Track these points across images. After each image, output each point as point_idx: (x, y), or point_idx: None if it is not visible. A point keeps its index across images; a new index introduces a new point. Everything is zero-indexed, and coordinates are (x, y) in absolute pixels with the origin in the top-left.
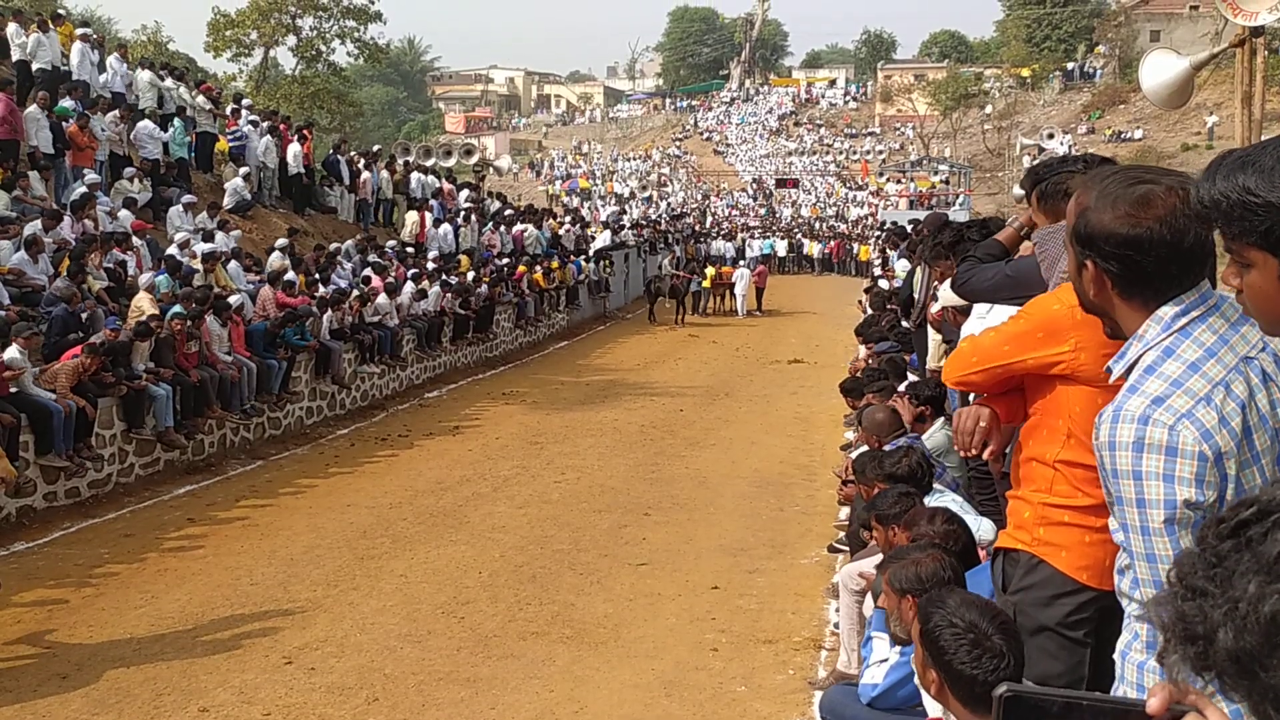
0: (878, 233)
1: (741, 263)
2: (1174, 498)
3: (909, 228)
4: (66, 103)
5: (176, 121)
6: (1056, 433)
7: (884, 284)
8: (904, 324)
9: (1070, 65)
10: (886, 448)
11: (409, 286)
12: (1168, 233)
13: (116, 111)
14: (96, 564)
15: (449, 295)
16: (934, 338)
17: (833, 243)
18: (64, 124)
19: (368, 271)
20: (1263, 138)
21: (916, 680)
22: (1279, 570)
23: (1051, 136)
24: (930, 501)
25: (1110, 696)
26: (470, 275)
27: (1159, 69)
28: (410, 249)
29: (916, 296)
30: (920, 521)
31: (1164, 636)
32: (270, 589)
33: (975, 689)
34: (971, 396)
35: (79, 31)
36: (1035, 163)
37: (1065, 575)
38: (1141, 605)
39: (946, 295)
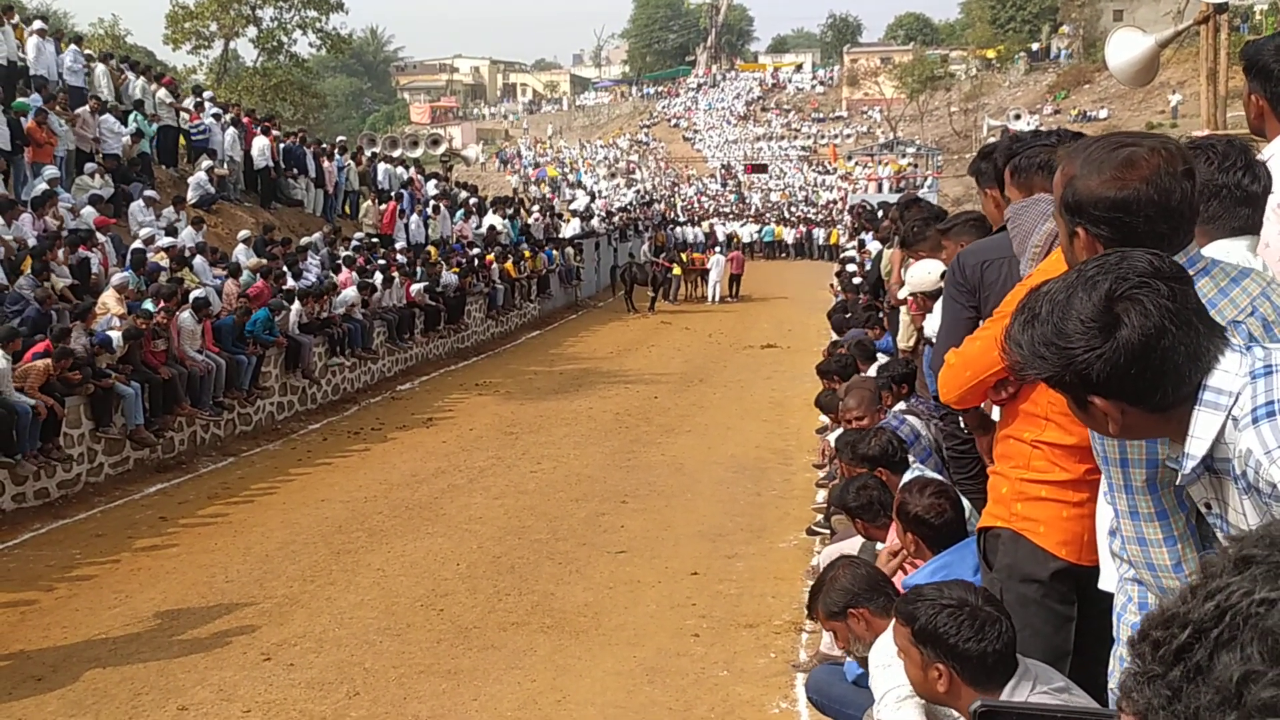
0: (847, 216)
1: (716, 249)
2: (1155, 456)
3: (879, 209)
4: (24, 98)
5: (136, 115)
6: (1034, 417)
7: (853, 268)
8: (877, 306)
9: (1035, 46)
10: (885, 420)
11: (379, 279)
12: (1154, 192)
13: (87, 106)
14: (69, 565)
15: (418, 286)
16: (904, 318)
17: (803, 226)
18: (22, 120)
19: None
20: (1228, 115)
21: (908, 695)
22: (1255, 704)
23: (1018, 117)
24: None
25: (1083, 707)
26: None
27: (1125, 47)
28: (375, 239)
29: (885, 277)
30: (912, 491)
31: None
32: (246, 586)
33: (988, 662)
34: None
35: (35, 25)
36: (999, 140)
37: (1044, 550)
38: (1132, 566)
39: (915, 280)
